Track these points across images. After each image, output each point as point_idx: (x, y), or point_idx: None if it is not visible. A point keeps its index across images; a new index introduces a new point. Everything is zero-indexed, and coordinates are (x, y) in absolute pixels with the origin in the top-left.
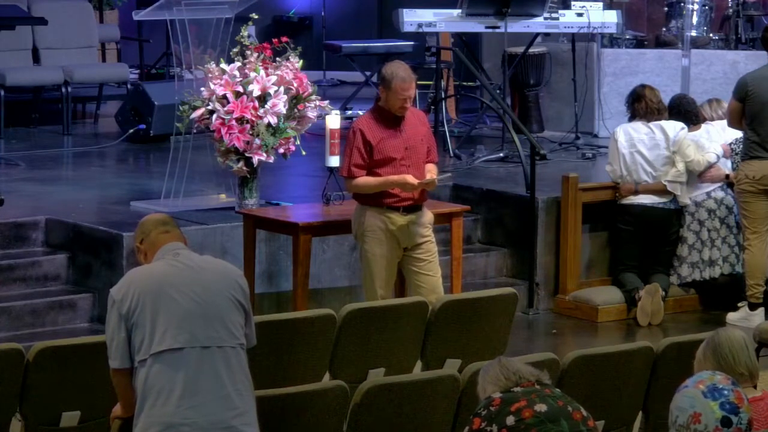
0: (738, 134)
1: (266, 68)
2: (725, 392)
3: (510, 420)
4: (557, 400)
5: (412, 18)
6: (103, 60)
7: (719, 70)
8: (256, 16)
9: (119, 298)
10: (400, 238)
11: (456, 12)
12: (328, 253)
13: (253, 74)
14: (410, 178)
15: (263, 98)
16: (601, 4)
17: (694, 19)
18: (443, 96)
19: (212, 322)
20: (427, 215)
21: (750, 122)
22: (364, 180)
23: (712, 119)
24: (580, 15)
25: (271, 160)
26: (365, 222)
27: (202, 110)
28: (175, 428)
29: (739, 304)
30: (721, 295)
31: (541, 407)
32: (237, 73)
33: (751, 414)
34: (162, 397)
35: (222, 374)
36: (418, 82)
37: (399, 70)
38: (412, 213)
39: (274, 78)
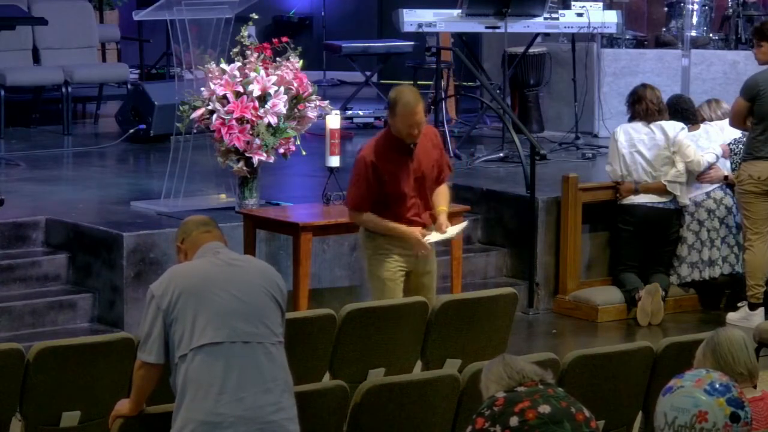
0: (737, 134)
1: (266, 68)
2: (728, 388)
3: (513, 421)
4: (560, 401)
5: (412, 18)
6: (103, 60)
7: (719, 70)
8: (256, 16)
9: (159, 293)
10: (407, 264)
11: (456, 12)
12: (328, 253)
13: (253, 74)
14: (418, 234)
15: (263, 98)
16: (601, 4)
17: (694, 19)
18: (443, 96)
19: (252, 319)
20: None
21: (758, 122)
22: (373, 220)
23: (711, 119)
24: (580, 15)
25: (271, 160)
26: (372, 245)
27: (202, 110)
28: (214, 425)
29: (739, 304)
30: (721, 295)
31: (544, 408)
32: (237, 73)
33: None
34: (201, 392)
35: (263, 369)
36: (418, 83)
37: (404, 94)
38: None
39: (274, 78)
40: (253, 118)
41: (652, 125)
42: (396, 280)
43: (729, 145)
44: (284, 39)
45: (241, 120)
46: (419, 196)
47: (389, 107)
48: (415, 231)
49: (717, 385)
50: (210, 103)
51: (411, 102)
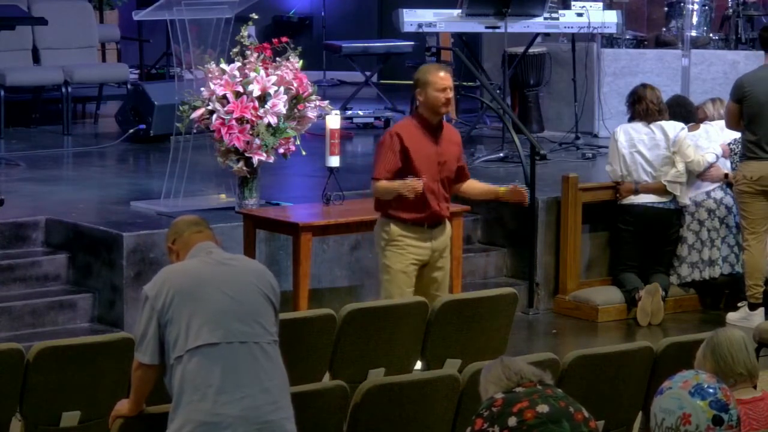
0: (737, 134)
1: (266, 68)
2: (712, 390)
3: (512, 421)
4: (559, 401)
5: (412, 18)
6: (103, 60)
7: (719, 70)
8: (256, 16)
9: (153, 294)
10: (421, 255)
11: (456, 12)
12: (328, 253)
13: (253, 74)
14: (412, 182)
15: (263, 98)
16: (601, 4)
17: (694, 19)
18: None
19: (247, 318)
20: (448, 227)
21: (747, 123)
22: (383, 185)
23: (714, 118)
24: (580, 15)
25: (271, 160)
26: (389, 231)
27: (202, 110)
28: (212, 425)
29: (739, 304)
30: (721, 295)
31: (543, 408)
32: (237, 73)
33: (739, 410)
34: (199, 393)
35: (260, 368)
36: None
37: (428, 65)
38: (435, 228)
39: (274, 78)
40: (253, 118)
41: (652, 125)
42: (408, 273)
43: (729, 144)
44: (284, 39)
45: (241, 120)
46: (441, 184)
47: (417, 84)
48: (407, 181)
49: (703, 387)
50: (210, 103)
51: (437, 67)
